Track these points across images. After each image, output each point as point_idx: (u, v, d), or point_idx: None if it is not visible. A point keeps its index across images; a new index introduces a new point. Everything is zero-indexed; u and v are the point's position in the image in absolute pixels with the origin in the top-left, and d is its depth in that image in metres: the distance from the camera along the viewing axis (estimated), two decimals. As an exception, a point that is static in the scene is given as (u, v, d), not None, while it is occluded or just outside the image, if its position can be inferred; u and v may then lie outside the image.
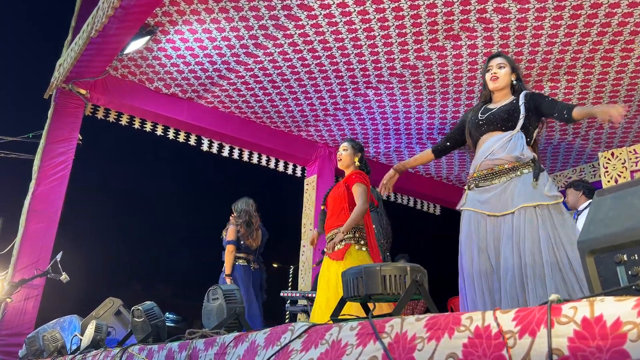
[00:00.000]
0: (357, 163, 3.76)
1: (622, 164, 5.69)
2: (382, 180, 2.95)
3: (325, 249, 3.52)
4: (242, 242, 5.05)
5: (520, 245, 2.38)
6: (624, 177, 5.58)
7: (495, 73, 2.76)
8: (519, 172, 2.52)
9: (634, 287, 1.14)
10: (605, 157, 5.79)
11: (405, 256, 6.55)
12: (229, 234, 5.08)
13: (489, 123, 2.68)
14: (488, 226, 2.52)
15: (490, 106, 2.76)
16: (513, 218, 2.44)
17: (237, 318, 2.04)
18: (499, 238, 2.47)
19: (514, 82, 2.77)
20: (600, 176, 5.90)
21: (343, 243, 3.40)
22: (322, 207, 3.75)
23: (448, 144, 2.98)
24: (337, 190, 3.63)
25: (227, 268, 4.91)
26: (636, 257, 1.17)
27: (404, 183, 7.98)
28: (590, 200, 4.52)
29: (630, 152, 5.68)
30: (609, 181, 5.66)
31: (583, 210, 4.56)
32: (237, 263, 4.98)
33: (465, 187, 2.74)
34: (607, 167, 5.74)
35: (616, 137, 6.74)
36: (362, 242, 3.45)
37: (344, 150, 3.79)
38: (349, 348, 1.25)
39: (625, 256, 1.19)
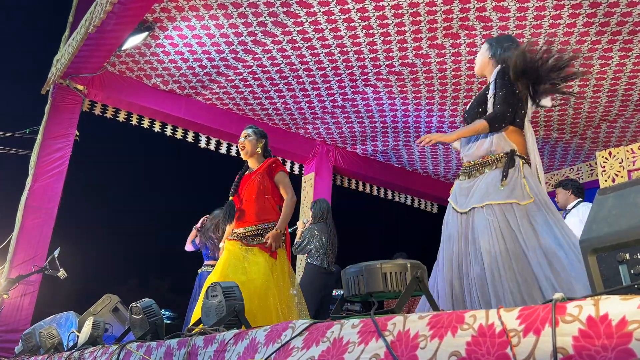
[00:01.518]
0: (259, 150, 3.52)
1: (620, 163, 5.70)
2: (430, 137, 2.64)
3: (264, 242, 3.26)
4: (208, 250, 5.43)
5: (475, 245, 2.35)
6: (622, 177, 5.59)
7: (475, 59, 2.73)
8: (487, 169, 2.46)
9: (636, 286, 1.14)
10: (602, 157, 5.80)
11: (402, 254, 6.58)
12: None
13: (468, 114, 2.64)
14: (455, 219, 2.50)
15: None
16: (470, 216, 2.42)
17: (236, 315, 2.03)
18: (459, 233, 2.45)
19: (490, 54, 2.65)
20: (597, 175, 5.91)
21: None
22: (230, 198, 3.44)
23: None
24: (254, 181, 3.39)
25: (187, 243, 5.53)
26: (639, 256, 1.17)
27: (402, 181, 7.99)
28: (579, 200, 4.55)
29: (627, 151, 5.70)
30: (606, 180, 5.67)
31: (571, 209, 4.54)
32: (204, 270, 5.36)
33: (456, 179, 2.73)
34: (604, 167, 5.76)
35: (614, 137, 6.75)
36: (284, 239, 3.37)
37: (246, 137, 3.53)
38: (350, 346, 1.25)
39: (627, 255, 1.19)
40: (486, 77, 2.71)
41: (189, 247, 5.64)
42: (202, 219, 5.63)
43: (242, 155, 3.54)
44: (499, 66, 2.57)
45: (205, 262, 5.55)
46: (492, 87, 2.53)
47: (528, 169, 2.46)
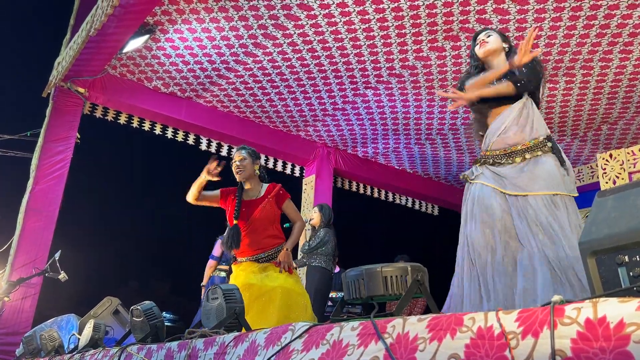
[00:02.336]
0: (257, 172, 3.49)
1: (620, 165, 5.70)
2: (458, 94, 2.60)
3: (279, 265, 3.28)
4: (223, 255, 5.41)
5: (532, 230, 2.28)
6: (622, 179, 5.59)
7: (482, 39, 2.65)
8: (536, 153, 2.41)
9: (635, 289, 1.15)
10: (603, 159, 5.80)
11: (404, 256, 6.58)
12: (215, 248, 5.59)
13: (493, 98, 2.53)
14: (502, 203, 2.40)
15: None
16: (530, 201, 2.34)
17: (236, 318, 2.04)
18: (510, 217, 2.36)
19: (507, 47, 2.64)
20: (598, 177, 5.91)
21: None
22: (234, 222, 3.36)
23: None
24: (264, 209, 3.37)
25: (204, 278, 5.47)
26: (638, 259, 1.17)
27: (402, 183, 7.99)
28: None
29: (628, 153, 5.70)
30: (607, 182, 5.67)
31: None
32: (215, 274, 5.47)
33: (478, 162, 2.60)
34: (605, 169, 5.75)
35: (614, 139, 6.75)
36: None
37: (242, 160, 3.44)
38: (350, 348, 1.25)
39: (626, 257, 1.19)
40: (487, 62, 2.67)
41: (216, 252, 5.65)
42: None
43: (238, 178, 3.45)
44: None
45: (219, 267, 5.58)
46: (525, 69, 2.49)
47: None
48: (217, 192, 3.52)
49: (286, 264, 3.26)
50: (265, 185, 3.49)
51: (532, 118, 2.46)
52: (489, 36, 2.66)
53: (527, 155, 2.43)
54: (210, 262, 5.59)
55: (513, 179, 2.41)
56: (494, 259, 2.34)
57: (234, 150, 6.70)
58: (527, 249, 2.29)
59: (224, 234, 5.42)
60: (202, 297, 5.54)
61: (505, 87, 2.44)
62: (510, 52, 2.64)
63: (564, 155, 2.46)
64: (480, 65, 2.69)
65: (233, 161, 3.48)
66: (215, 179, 3.35)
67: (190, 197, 3.45)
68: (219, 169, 3.35)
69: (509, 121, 2.47)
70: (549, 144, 2.44)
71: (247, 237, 3.35)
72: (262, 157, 6.92)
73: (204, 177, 3.36)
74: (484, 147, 2.57)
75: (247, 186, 3.49)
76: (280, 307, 3.09)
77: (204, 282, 5.55)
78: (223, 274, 5.51)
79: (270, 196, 3.42)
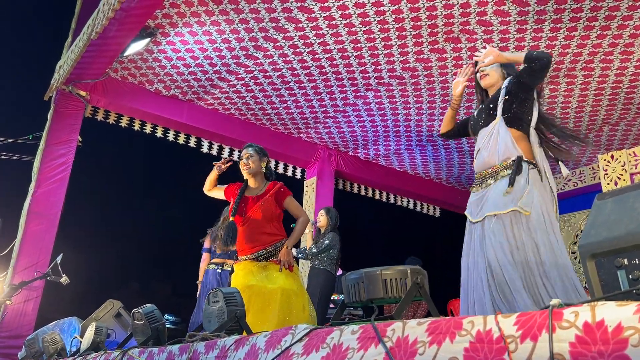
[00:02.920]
0: (263, 170, 3.53)
1: (622, 166, 5.69)
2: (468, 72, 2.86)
3: (280, 263, 3.28)
4: (214, 247, 5.41)
5: (485, 253, 2.38)
6: (624, 180, 5.58)
7: (483, 71, 2.76)
8: (499, 176, 2.48)
9: (634, 292, 1.15)
10: (605, 160, 5.79)
11: (415, 259, 6.51)
12: (206, 240, 5.52)
13: (480, 119, 2.68)
14: (470, 230, 2.54)
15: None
16: (482, 225, 2.44)
17: (237, 321, 2.04)
18: (474, 243, 2.48)
19: (505, 73, 2.73)
20: (599, 179, 5.90)
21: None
22: (231, 218, 3.38)
23: (455, 128, 2.96)
24: (263, 206, 3.38)
25: (199, 275, 5.43)
26: (637, 261, 1.17)
27: (404, 185, 7.99)
28: None
29: (630, 154, 5.68)
30: (608, 184, 5.66)
31: None
32: (210, 268, 5.35)
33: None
34: (606, 170, 5.74)
35: (616, 140, 6.74)
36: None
37: (248, 157, 3.48)
38: (350, 352, 1.25)
39: (626, 260, 1.19)
40: (490, 89, 2.78)
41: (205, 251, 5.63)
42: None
43: (245, 174, 3.51)
44: (510, 77, 2.66)
45: (213, 261, 5.48)
46: (503, 92, 2.59)
47: (536, 175, 2.48)
48: (225, 185, 3.62)
49: (286, 262, 3.26)
50: (268, 183, 3.51)
51: (503, 141, 2.49)
52: (490, 66, 2.75)
53: (494, 178, 2.50)
54: (204, 256, 5.54)
55: (476, 206, 2.53)
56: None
57: (235, 151, 6.74)
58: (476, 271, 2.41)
59: (214, 227, 5.48)
60: (197, 294, 5.57)
61: (520, 57, 2.54)
62: (506, 73, 2.74)
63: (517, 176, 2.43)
64: (483, 94, 2.83)
65: (240, 158, 3.54)
66: (221, 170, 3.59)
67: (205, 188, 3.64)
68: (228, 165, 3.59)
69: (482, 144, 2.57)
70: (510, 168, 2.45)
71: (243, 234, 3.37)
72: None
73: (214, 172, 3.58)
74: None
75: (251, 183, 3.52)
76: (280, 310, 3.10)
77: (199, 280, 5.48)
78: (213, 266, 5.39)
79: (270, 194, 3.42)
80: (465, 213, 2.63)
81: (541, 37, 4.88)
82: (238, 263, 3.39)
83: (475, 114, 2.77)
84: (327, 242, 5.09)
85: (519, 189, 2.40)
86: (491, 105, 2.61)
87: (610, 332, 0.83)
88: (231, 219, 3.39)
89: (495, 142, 2.51)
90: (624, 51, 5.03)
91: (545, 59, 2.46)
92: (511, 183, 2.39)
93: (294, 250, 5.55)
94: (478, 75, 2.78)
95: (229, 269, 5.31)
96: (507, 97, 2.54)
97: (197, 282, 5.56)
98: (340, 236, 5.27)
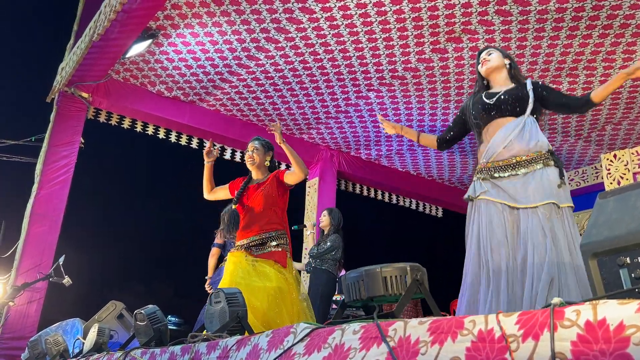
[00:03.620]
0: (267, 163, 3.56)
1: (625, 165, 5.67)
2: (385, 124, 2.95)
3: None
4: (226, 243, 5.34)
5: (536, 241, 2.34)
6: (627, 179, 5.56)
7: (484, 58, 2.76)
8: (539, 165, 2.47)
9: (637, 290, 1.14)
10: (607, 159, 5.77)
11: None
12: (218, 235, 5.36)
13: (498, 107, 2.62)
14: (508, 216, 2.45)
15: (494, 90, 2.71)
16: (535, 212, 2.39)
17: (239, 321, 2.04)
18: (518, 231, 2.41)
19: (508, 64, 2.74)
20: (602, 178, 5.88)
21: (280, 247, 3.30)
22: (233, 207, 3.44)
23: (452, 133, 2.92)
24: (262, 192, 3.38)
25: (209, 270, 5.27)
26: (639, 260, 1.17)
27: (406, 185, 7.99)
28: None
29: (632, 153, 5.67)
30: (611, 183, 5.64)
31: None
32: (223, 265, 5.27)
33: (477, 177, 2.65)
34: (609, 169, 5.73)
35: (619, 139, 6.73)
36: (288, 249, 3.37)
37: (254, 150, 3.53)
38: (352, 352, 1.25)
39: (628, 259, 1.19)
40: (491, 79, 2.77)
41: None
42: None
43: (249, 167, 3.54)
44: (531, 80, 2.69)
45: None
46: (531, 95, 2.60)
47: None
48: (227, 188, 3.62)
49: (277, 136, 3.34)
50: (268, 173, 3.54)
51: (537, 134, 2.54)
52: (490, 54, 2.77)
53: (531, 167, 2.48)
54: (213, 251, 5.43)
55: (517, 191, 2.46)
56: (511, 271, 2.40)
57: (237, 152, 6.74)
58: (530, 258, 2.34)
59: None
60: (205, 286, 5.53)
61: (431, 141, 2.91)
62: (512, 68, 2.75)
63: (563, 169, 2.54)
64: (485, 84, 2.80)
65: (246, 150, 3.58)
66: (212, 157, 3.59)
67: (205, 192, 3.63)
68: (216, 149, 3.62)
69: (514, 135, 2.54)
70: (552, 157, 2.51)
71: (244, 220, 3.39)
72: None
73: (206, 167, 3.59)
74: (486, 158, 2.62)
75: (254, 175, 3.56)
76: (269, 308, 3.05)
77: (209, 275, 5.36)
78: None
79: (269, 180, 3.44)
80: (486, 196, 2.53)
81: (543, 37, 4.87)
82: (232, 253, 3.38)
83: (482, 100, 2.69)
84: (329, 243, 5.09)
85: (567, 184, 2.47)
86: (515, 102, 2.60)
87: (612, 331, 0.83)
88: (234, 207, 3.43)
89: (529, 134, 2.53)
90: (626, 50, 5.02)
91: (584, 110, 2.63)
92: (561, 177, 2.46)
93: (298, 265, 5.54)
94: (480, 65, 2.78)
95: None
96: (535, 99, 2.60)
97: (207, 277, 5.45)
98: (343, 237, 5.26)
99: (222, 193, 3.62)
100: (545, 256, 2.30)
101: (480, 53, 2.83)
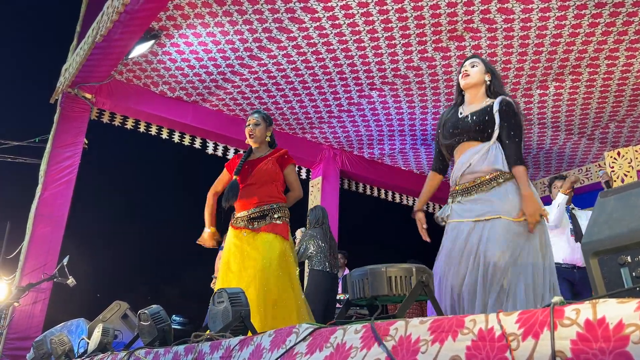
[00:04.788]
0: (267, 139, 3.50)
1: (629, 163, 5.67)
2: (420, 230, 2.87)
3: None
4: None
5: (487, 251, 2.37)
6: (631, 177, 5.56)
7: (466, 70, 2.69)
8: (499, 181, 2.49)
9: (638, 289, 1.14)
10: (611, 157, 5.77)
11: (416, 261, 6.54)
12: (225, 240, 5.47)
13: (462, 133, 2.62)
14: (472, 231, 2.49)
15: (464, 111, 2.67)
16: (485, 225, 2.43)
17: (242, 321, 2.05)
18: (479, 240, 2.45)
19: (488, 81, 2.67)
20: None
21: (281, 220, 3.29)
22: (234, 177, 3.36)
23: (441, 159, 2.90)
24: (265, 166, 3.36)
25: (215, 271, 5.46)
26: (640, 259, 1.17)
27: (409, 184, 7.98)
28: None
29: (636, 151, 5.66)
30: (615, 181, 5.64)
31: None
32: None
33: (449, 200, 2.71)
34: (613, 167, 5.72)
35: (622, 137, 6.71)
36: (289, 223, 3.38)
37: (255, 124, 3.45)
38: (353, 351, 1.26)
39: (629, 258, 1.19)
40: (466, 93, 2.74)
41: None
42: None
43: (250, 142, 3.47)
44: (504, 98, 2.61)
45: None
46: (498, 116, 2.56)
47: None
48: (225, 172, 3.54)
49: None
50: (269, 147, 3.51)
51: (498, 160, 2.53)
52: (473, 66, 2.71)
53: (493, 183, 2.50)
54: (220, 254, 5.62)
55: (480, 206, 2.50)
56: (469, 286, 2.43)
57: (240, 152, 6.74)
58: (492, 267, 2.36)
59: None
60: (212, 284, 5.59)
61: (434, 179, 2.91)
62: (492, 84, 2.67)
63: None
64: (460, 98, 2.78)
65: (247, 124, 3.49)
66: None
67: (209, 201, 3.56)
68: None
69: (474, 160, 2.55)
70: (510, 175, 2.51)
71: (243, 191, 3.34)
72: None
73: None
74: (453, 182, 2.69)
75: (255, 150, 3.51)
76: (259, 290, 3.04)
77: (215, 274, 5.56)
78: None
79: (274, 156, 3.40)
80: (449, 220, 2.61)
81: (545, 35, 4.86)
82: (232, 227, 3.36)
83: (448, 125, 2.70)
84: (301, 240, 5.19)
85: (518, 199, 2.45)
86: (481, 127, 2.58)
87: (612, 330, 0.83)
88: (234, 177, 3.35)
89: (491, 159, 2.54)
90: (629, 47, 5.00)
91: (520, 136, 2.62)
92: (512, 194, 2.46)
93: None
94: (460, 75, 2.72)
95: None
96: (502, 123, 2.56)
97: (213, 276, 5.59)
98: (324, 232, 5.24)
99: (223, 184, 3.53)
100: (500, 263, 2.33)
101: (465, 60, 2.78)
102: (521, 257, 2.35)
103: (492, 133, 2.55)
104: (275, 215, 3.28)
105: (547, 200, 6.90)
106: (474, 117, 2.60)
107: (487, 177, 2.52)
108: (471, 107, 2.67)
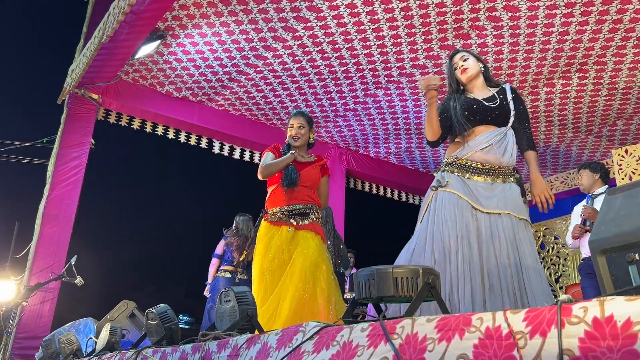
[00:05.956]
0: (311, 140, 3.57)
1: (637, 161, 5.63)
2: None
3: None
4: (225, 254, 5.66)
5: (500, 246, 2.42)
6: (639, 175, 5.52)
7: (462, 66, 2.77)
8: (508, 178, 2.57)
9: (646, 287, 1.14)
10: (619, 155, 5.73)
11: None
12: (218, 246, 5.75)
13: (481, 115, 2.65)
14: (474, 217, 2.48)
15: (476, 96, 2.72)
16: (499, 219, 2.46)
17: (249, 320, 2.05)
18: (483, 233, 2.45)
19: (482, 69, 2.79)
20: (614, 174, 5.83)
21: (319, 222, 3.38)
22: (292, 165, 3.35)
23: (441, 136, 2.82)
24: (313, 170, 3.44)
25: (209, 277, 5.71)
26: (648, 256, 1.17)
27: (415, 183, 7.97)
28: (606, 187, 4.35)
29: (644, 148, 5.62)
30: (622, 179, 5.60)
31: (599, 195, 4.35)
32: (220, 275, 5.63)
33: (444, 170, 2.67)
34: (620, 165, 5.68)
35: (630, 134, 6.67)
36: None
37: (300, 127, 3.46)
38: (360, 349, 1.26)
39: (637, 255, 1.19)
40: (468, 85, 2.78)
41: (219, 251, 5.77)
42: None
43: (293, 142, 3.44)
44: (511, 85, 2.79)
45: (223, 267, 5.66)
46: (514, 104, 2.69)
47: None
48: (271, 155, 3.50)
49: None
50: (314, 155, 3.56)
51: (513, 149, 2.64)
52: (465, 60, 2.78)
53: (498, 179, 2.57)
54: (213, 261, 5.74)
55: (482, 196, 2.52)
56: (467, 266, 2.43)
57: (246, 152, 6.74)
58: (494, 263, 2.40)
59: (232, 228, 5.62)
60: (204, 292, 5.73)
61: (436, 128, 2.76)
62: (486, 71, 2.81)
63: (524, 188, 2.67)
64: (460, 89, 2.82)
65: (290, 126, 3.49)
66: None
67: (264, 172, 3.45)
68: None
69: (494, 141, 2.61)
70: (517, 175, 2.63)
71: (285, 190, 3.33)
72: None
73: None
74: (460, 153, 2.66)
75: (297, 150, 3.48)
76: (296, 290, 3.05)
77: (209, 280, 5.70)
78: (228, 274, 5.60)
79: (319, 164, 3.50)
80: (462, 195, 2.53)
81: (552, 32, 4.84)
82: (269, 222, 3.30)
83: (465, 106, 2.68)
84: None
85: (525, 202, 2.58)
86: (497, 112, 2.65)
87: (620, 327, 0.83)
88: (292, 165, 3.33)
89: (507, 146, 2.62)
90: (637, 44, 4.97)
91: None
92: (523, 195, 2.58)
93: None
94: (457, 72, 2.78)
95: (244, 277, 5.50)
96: (516, 112, 2.69)
97: (207, 282, 5.72)
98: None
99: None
100: (508, 260, 2.38)
101: (453, 55, 2.84)
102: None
103: (508, 118, 2.65)
104: (314, 216, 3.36)
105: (576, 192, 6.89)
106: (490, 103, 2.67)
107: (497, 167, 2.59)
108: (478, 94, 2.73)
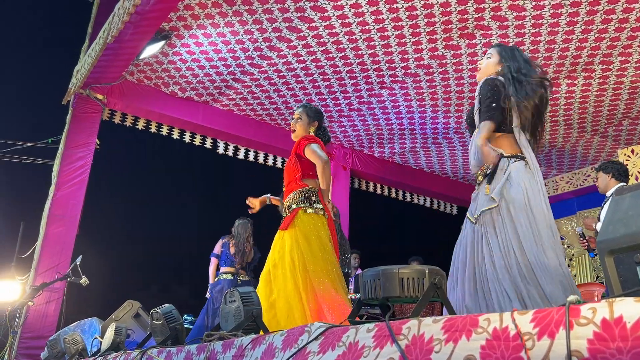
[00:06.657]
0: (311, 133, 3.28)
1: (643, 161, 5.60)
2: None
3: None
4: (223, 254, 5.69)
5: (477, 252, 2.37)
6: (645, 175, 5.49)
7: (480, 63, 2.67)
8: (480, 179, 2.50)
9: (654, 287, 1.13)
10: (624, 154, 5.70)
11: (418, 258, 6.55)
12: (216, 246, 5.78)
13: (470, 127, 2.66)
14: (467, 227, 2.51)
15: None
16: (474, 225, 2.43)
17: (254, 320, 2.05)
18: (470, 240, 2.45)
19: (500, 70, 2.55)
20: (619, 174, 5.80)
21: (291, 208, 3.11)
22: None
23: None
24: (288, 164, 3.23)
25: (210, 277, 5.75)
26: (657, 257, 1.15)
27: (420, 183, 7.95)
28: (622, 184, 4.12)
29: (650, 148, 5.59)
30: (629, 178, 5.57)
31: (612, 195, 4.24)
32: (222, 277, 5.64)
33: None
34: (627, 164, 5.65)
35: (636, 134, 6.63)
36: (314, 205, 3.12)
37: (297, 119, 3.26)
38: (366, 350, 1.25)
39: (645, 256, 1.17)
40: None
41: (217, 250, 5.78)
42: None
43: (292, 137, 3.31)
44: (486, 79, 2.56)
45: (224, 269, 5.67)
46: (476, 101, 2.58)
47: (519, 165, 2.39)
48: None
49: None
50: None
51: (474, 152, 2.51)
52: (489, 58, 2.66)
53: (478, 180, 2.51)
54: (212, 260, 5.77)
55: (472, 205, 2.52)
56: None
57: (251, 152, 6.75)
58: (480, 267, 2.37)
59: (233, 232, 5.66)
60: (206, 294, 5.78)
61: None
62: (509, 71, 2.53)
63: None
64: None
65: (292, 118, 3.43)
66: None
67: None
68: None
69: (470, 152, 2.58)
70: (487, 172, 2.45)
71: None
72: (279, 159, 6.92)
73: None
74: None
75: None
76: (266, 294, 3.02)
77: (210, 281, 5.74)
78: (229, 276, 5.61)
79: (292, 151, 3.25)
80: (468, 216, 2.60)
81: (557, 32, 4.82)
82: (321, 214, 3.21)
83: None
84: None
85: (497, 185, 2.38)
86: (471, 117, 2.60)
87: (629, 329, 0.82)
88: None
89: (471, 151, 2.56)
90: (643, 44, 4.94)
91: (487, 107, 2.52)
92: (489, 182, 2.40)
93: None
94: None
95: (246, 279, 5.53)
96: (479, 105, 2.50)
97: (210, 284, 5.75)
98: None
99: None
100: (492, 262, 2.32)
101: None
102: None
103: (474, 120, 2.56)
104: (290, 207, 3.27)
105: (582, 192, 6.83)
106: (471, 110, 2.63)
107: (478, 172, 2.53)
108: None
